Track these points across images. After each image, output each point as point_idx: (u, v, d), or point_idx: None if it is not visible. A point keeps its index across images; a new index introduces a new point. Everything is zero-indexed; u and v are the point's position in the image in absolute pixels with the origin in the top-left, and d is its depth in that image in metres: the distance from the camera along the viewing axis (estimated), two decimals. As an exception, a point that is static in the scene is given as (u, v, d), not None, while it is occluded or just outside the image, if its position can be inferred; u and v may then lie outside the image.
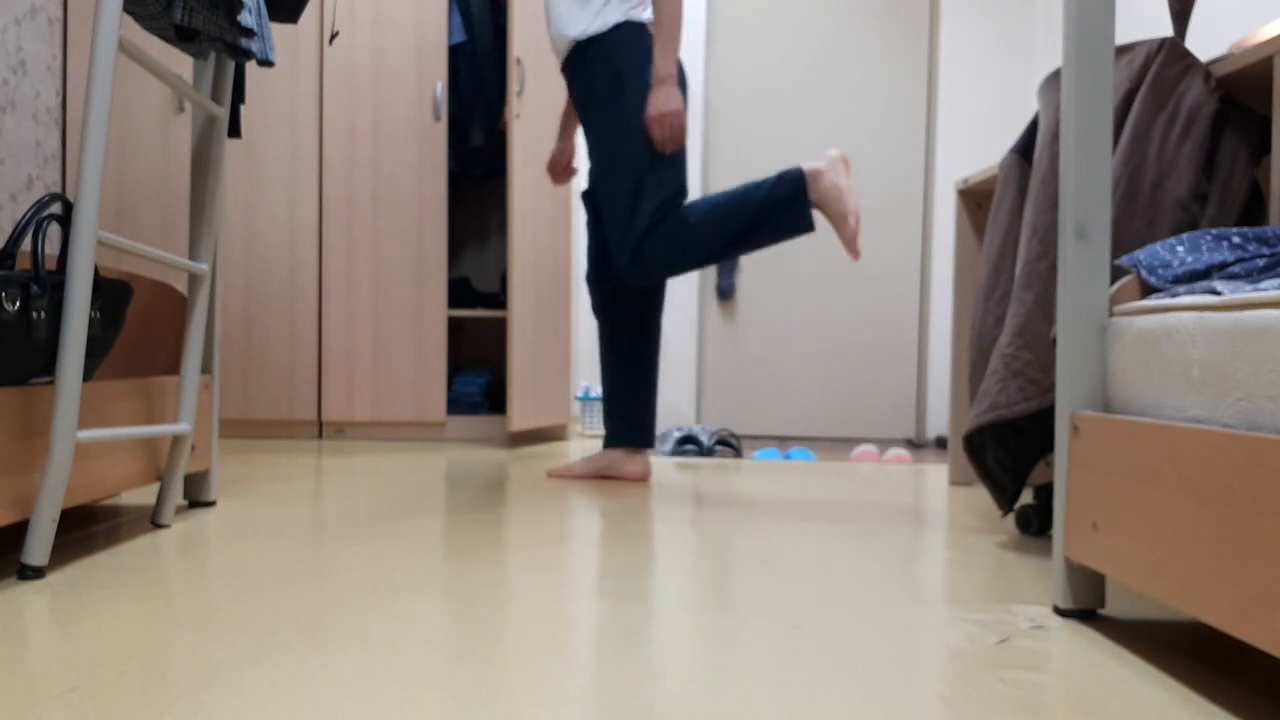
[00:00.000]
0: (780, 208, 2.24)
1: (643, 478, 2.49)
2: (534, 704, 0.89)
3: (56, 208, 3.29)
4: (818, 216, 4.58)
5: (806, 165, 2.26)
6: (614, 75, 2.29)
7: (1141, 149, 1.57)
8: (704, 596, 1.31)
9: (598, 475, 2.49)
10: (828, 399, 4.57)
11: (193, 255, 1.84)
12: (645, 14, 2.34)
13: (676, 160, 2.31)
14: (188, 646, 1.04)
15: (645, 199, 2.27)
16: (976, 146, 4.46)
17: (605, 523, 1.86)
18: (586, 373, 4.43)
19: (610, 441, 2.51)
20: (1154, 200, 1.55)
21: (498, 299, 3.82)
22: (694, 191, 4.43)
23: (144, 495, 2.09)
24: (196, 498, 1.96)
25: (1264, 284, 0.96)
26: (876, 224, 4.56)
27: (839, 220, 2.24)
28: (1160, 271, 1.21)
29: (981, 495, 2.39)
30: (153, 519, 1.74)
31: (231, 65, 1.89)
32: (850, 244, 2.24)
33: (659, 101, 2.26)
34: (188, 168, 3.39)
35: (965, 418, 2.51)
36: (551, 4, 2.39)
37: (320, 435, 3.45)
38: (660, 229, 2.27)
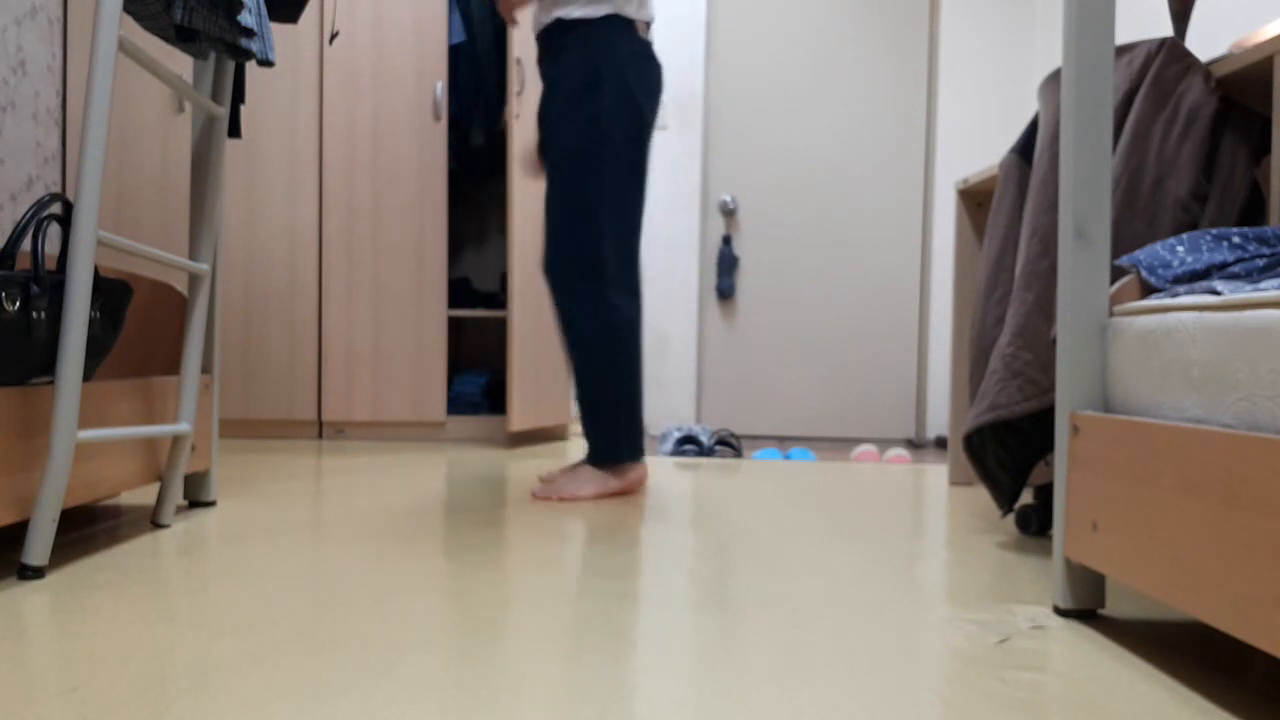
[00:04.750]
0: (609, 428, 2.20)
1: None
2: (534, 704, 0.89)
3: (56, 208, 3.29)
4: None
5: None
6: (592, 72, 2.17)
7: (1141, 149, 1.57)
8: (704, 596, 1.31)
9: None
10: (828, 399, 4.57)
11: (193, 255, 1.84)
12: (637, 11, 2.22)
13: (636, 186, 2.23)
14: (188, 646, 1.04)
15: (596, 224, 2.19)
16: (976, 146, 4.46)
17: (604, 523, 1.86)
18: (586, 373, 4.41)
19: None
20: (1154, 200, 1.55)
21: (498, 299, 3.82)
22: (693, 191, 4.42)
23: (144, 495, 2.09)
24: (197, 498, 1.96)
25: (1264, 284, 0.96)
26: (876, 224, 4.56)
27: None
28: (1160, 271, 1.21)
29: (981, 495, 2.39)
30: (153, 519, 1.74)
31: (231, 65, 1.89)
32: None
33: None
34: (188, 168, 3.39)
35: (965, 418, 2.51)
36: None
37: (320, 435, 3.45)
38: (578, 271, 2.19)
